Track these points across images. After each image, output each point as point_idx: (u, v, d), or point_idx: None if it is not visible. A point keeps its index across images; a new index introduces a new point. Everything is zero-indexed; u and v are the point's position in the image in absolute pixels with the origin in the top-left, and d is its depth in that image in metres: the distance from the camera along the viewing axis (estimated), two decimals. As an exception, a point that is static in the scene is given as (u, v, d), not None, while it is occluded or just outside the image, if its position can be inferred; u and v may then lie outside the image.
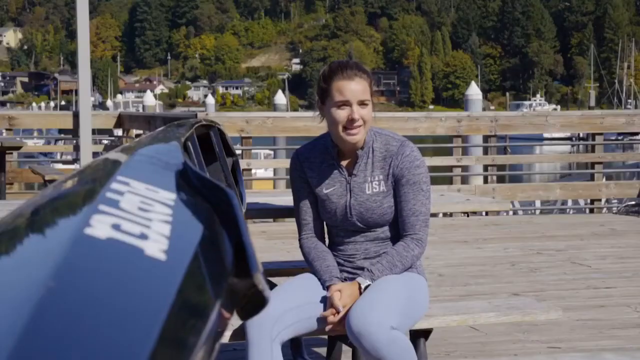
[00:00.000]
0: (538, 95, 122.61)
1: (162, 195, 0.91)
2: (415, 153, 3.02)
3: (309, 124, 9.26)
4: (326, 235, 3.21)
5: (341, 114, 2.93)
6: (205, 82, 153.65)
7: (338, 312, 2.87)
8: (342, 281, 3.00)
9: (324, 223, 3.17)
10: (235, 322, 2.84)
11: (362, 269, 3.03)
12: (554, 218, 9.99)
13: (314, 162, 3.09)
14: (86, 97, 8.15)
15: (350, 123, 2.93)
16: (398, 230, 3.05)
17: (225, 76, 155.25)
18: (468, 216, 9.44)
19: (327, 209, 3.07)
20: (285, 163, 10.92)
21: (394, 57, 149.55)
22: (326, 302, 2.97)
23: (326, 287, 2.97)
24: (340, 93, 2.93)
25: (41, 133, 18.96)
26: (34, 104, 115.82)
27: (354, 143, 2.97)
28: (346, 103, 2.93)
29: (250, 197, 3.67)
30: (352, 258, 3.07)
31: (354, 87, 2.93)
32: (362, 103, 2.94)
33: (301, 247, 3.13)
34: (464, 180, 10.57)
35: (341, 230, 3.08)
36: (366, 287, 2.90)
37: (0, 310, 0.59)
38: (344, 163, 3.05)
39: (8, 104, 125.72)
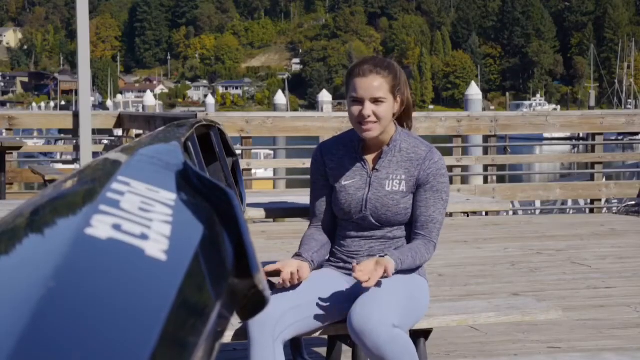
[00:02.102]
0: (538, 95, 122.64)
1: (162, 196, 0.91)
2: (442, 162, 3.06)
3: (309, 124, 9.26)
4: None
5: (355, 110, 2.98)
6: (205, 82, 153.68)
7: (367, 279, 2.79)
8: (311, 264, 3.00)
9: (335, 218, 3.17)
10: (236, 322, 2.84)
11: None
12: (554, 218, 9.98)
13: (336, 154, 3.12)
14: (86, 97, 8.15)
15: (362, 119, 2.97)
16: (406, 232, 3.05)
17: (225, 76, 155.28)
18: (468, 216, 9.44)
19: (342, 200, 3.07)
20: (285, 163, 10.94)
21: (394, 57, 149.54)
22: (327, 301, 2.98)
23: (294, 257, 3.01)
24: (354, 90, 2.98)
25: (41, 133, 18.96)
26: (34, 104, 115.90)
27: (368, 139, 3.01)
28: (359, 100, 2.97)
29: (250, 197, 3.67)
30: (355, 255, 3.07)
31: (366, 85, 2.96)
32: (375, 100, 2.96)
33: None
34: (464, 180, 10.57)
35: (351, 224, 3.08)
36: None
37: (1, 310, 0.59)
38: (368, 157, 3.08)
39: (8, 104, 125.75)
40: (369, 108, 2.95)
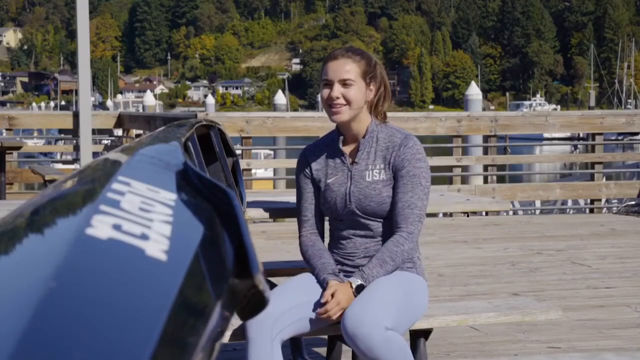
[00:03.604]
0: (538, 95, 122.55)
1: (162, 196, 0.91)
2: (418, 147, 3.04)
3: (309, 124, 9.26)
4: (327, 235, 3.21)
5: (324, 93, 3.02)
6: (205, 82, 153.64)
7: (328, 312, 2.88)
8: (339, 277, 3.00)
9: (325, 220, 3.18)
10: (235, 322, 2.84)
11: (361, 266, 3.04)
12: (554, 218, 9.98)
13: (319, 154, 3.15)
14: (86, 97, 8.14)
15: (331, 101, 2.99)
16: None
17: (225, 76, 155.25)
18: (468, 216, 9.44)
19: (328, 198, 3.08)
20: (286, 163, 10.93)
21: (394, 57, 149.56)
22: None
23: (324, 284, 2.98)
24: (325, 73, 3.03)
25: (41, 133, 18.96)
26: (34, 104, 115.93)
27: (339, 122, 3.03)
28: (329, 82, 3.01)
29: (250, 197, 3.67)
30: (352, 256, 3.07)
31: (335, 67, 3.00)
32: (344, 82, 2.99)
33: (300, 244, 3.14)
34: (464, 180, 10.57)
35: (342, 224, 3.08)
36: (358, 287, 2.90)
37: (2, 310, 0.59)
38: (347, 152, 3.10)
39: (8, 104, 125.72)
40: (337, 90, 2.98)
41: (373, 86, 3.05)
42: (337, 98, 2.98)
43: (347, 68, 2.99)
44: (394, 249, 2.95)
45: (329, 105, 3.00)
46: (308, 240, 3.12)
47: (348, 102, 2.99)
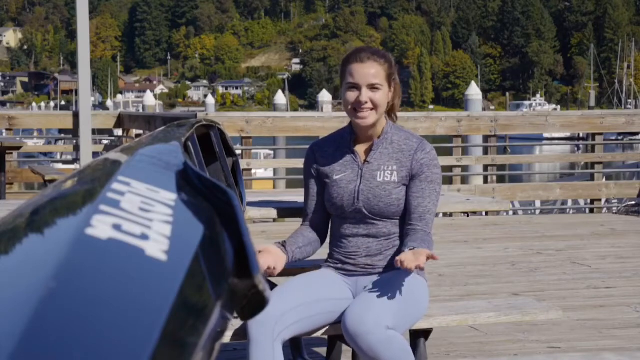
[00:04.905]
0: (538, 95, 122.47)
1: (162, 196, 0.91)
2: (434, 153, 3.08)
3: (309, 124, 9.26)
4: (328, 235, 3.21)
5: (351, 96, 3.00)
6: (205, 82, 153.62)
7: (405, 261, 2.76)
8: (290, 258, 3.03)
9: (329, 219, 3.18)
10: (236, 322, 2.84)
11: (363, 266, 3.04)
12: (554, 218, 9.98)
13: (327, 150, 3.14)
14: (86, 97, 8.14)
15: (358, 105, 2.98)
16: (400, 228, 3.04)
17: (225, 76, 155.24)
18: (468, 216, 9.43)
19: (334, 194, 3.07)
20: (286, 163, 10.94)
21: (394, 57, 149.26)
22: (326, 301, 2.98)
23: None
24: (351, 75, 3.00)
25: (41, 133, 18.95)
26: (34, 104, 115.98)
27: (364, 126, 3.02)
28: (355, 86, 2.99)
29: (250, 197, 3.67)
30: (354, 255, 3.07)
31: (364, 71, 2.98)
32: (372, 87, 2.98)
33: None
34: (464, 180, 10.57)
35: (346, 222, 3.08)
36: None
37: (2, 310, 0.59)
38: (359, 151, 3.09)
39: (8, 104, 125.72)
40: (365, 94, 2.97)
41: (394, 87, 3.07)
42: (366, 102, 2.97)
43: (373, 72, 2.99)
44: (429, 242, 2.94)
45: (355, 109, 2.99)
46: (299, 228, 3.17)
47: (375, 106, 2.99)
